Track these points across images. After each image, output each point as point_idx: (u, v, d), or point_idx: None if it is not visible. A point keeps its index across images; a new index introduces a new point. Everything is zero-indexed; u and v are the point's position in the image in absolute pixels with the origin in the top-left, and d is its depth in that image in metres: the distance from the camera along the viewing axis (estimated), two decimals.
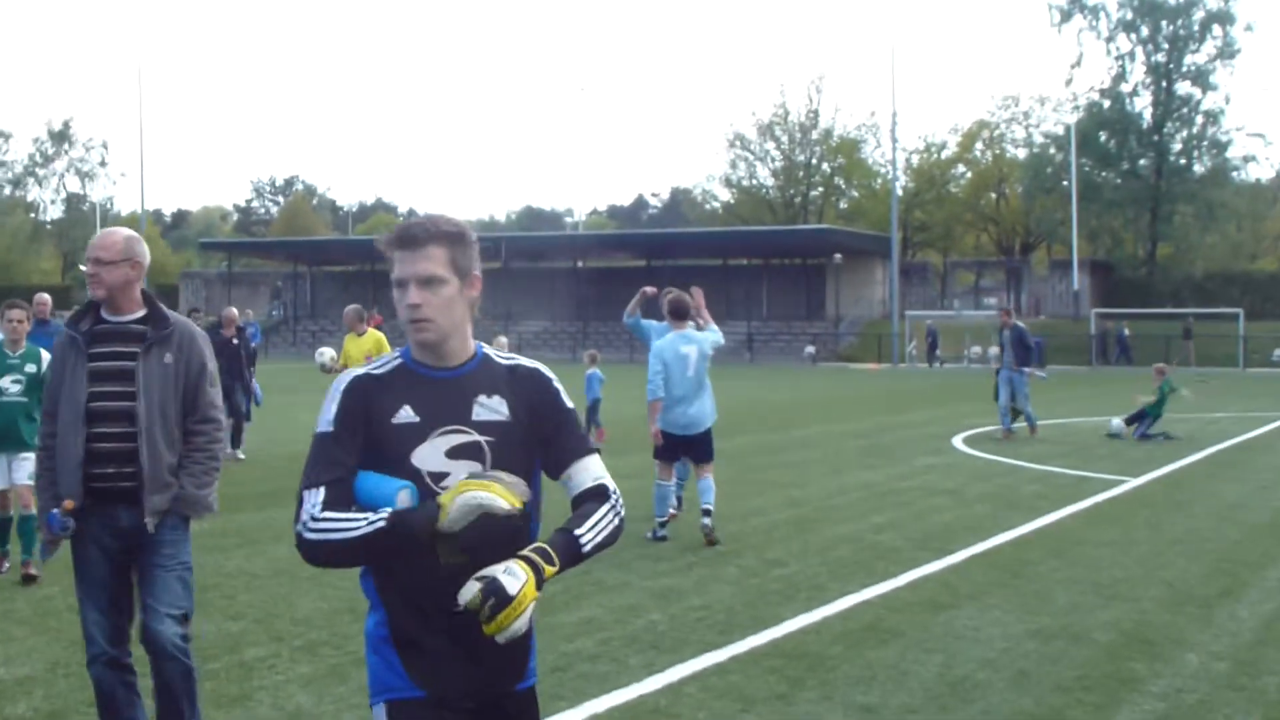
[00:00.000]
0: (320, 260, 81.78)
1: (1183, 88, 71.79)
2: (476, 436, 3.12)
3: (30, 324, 9.73)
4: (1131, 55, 72.48)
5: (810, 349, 62.62)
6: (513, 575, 2.84)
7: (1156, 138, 71.32)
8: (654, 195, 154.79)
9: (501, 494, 2.89)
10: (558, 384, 3.30)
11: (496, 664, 3.11)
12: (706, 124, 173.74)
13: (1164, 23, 70.80)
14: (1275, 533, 11.90)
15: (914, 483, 15.27)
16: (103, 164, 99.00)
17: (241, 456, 17.49)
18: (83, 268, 5.25)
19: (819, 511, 12.98)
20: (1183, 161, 71.58)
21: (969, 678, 6.89)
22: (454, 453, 3.09)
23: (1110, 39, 72.74)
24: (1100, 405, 26.72)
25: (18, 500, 9.37)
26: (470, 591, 2.83)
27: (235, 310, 19.22)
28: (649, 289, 12.84)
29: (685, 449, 11.44)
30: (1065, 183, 68.46)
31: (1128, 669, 7.08)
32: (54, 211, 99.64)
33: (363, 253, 72.76)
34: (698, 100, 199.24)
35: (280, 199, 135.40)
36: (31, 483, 8.06)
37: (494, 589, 2.82)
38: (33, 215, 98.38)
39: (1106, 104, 72.67)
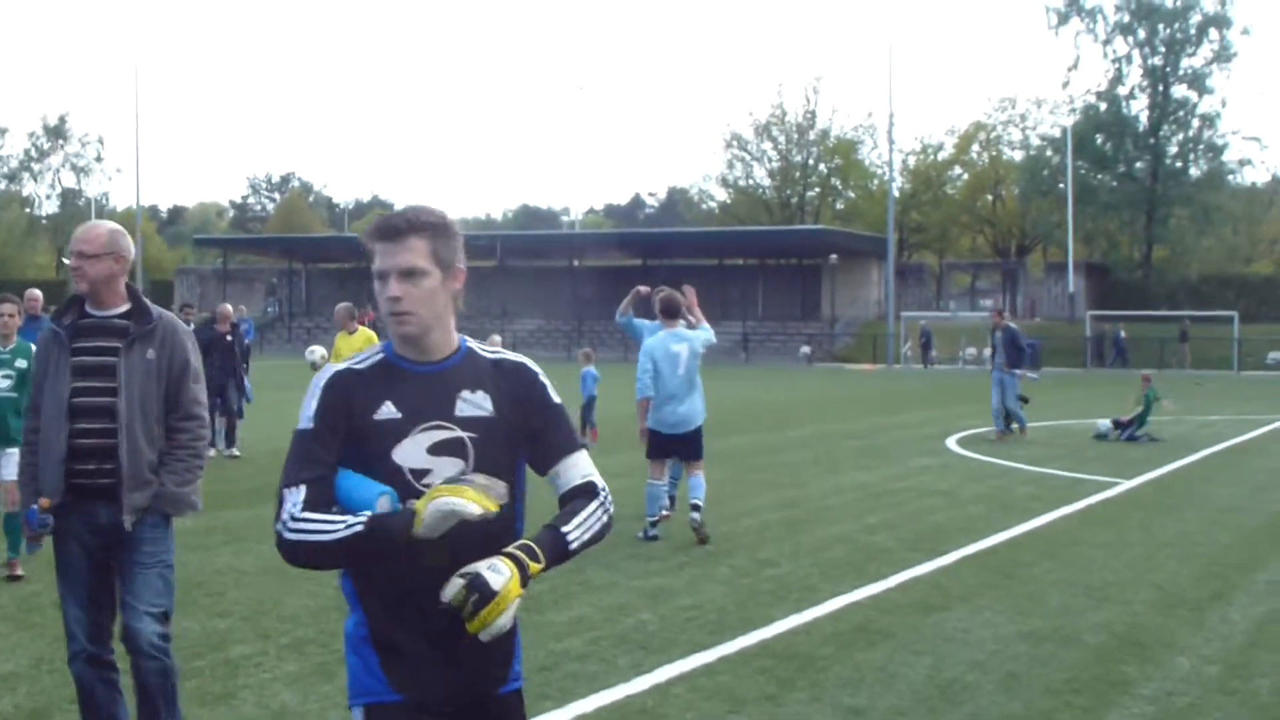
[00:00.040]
0: (316, 257, 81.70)
1: (1179, 91, 71.82)
2: (459, 433, 3.05)
3: (21, 319, 9.66)
4: (1128, 58, 72.51)
5: (806, 349, 62.60)
6: (496, 571, 2.80)
7: (1153, 141, 71.34)
8: (651, 195, 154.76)
9: (474, 499, 2.82)
10: (544, 378, 3.23)
11: (478, 667, 3.06)
12: (704, 124, 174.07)
13: (1161, 26, 70.80)
14: (1268, 536, 11.88)
15: (908, 484, 15.24)
16: (98, 159, 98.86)
17: (237, 454, 17.41)
18: (66, 260, 5.18)
19: (812, 512, 12.95)
20: (1179, 165, 71.62)
21: (958, 680, 6.85)
22: (436, 449, 3.03)
23: (1107, 42, 72.78)
24: (1095, 407, 26.68)
25: (5, 497, 9.31)
26: (453, 588, 2.79)
27: (230, 307, 19.18)
28: (642, 288, 12.80)
29: (675, 447, 11.40)
30: (1061, 185, 68.51)
31: (1118, 672, 7.05)
32: (49, 206, 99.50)
33: (358, 250, 71.33)
34: (695, 100, 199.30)
35: (276, 196, 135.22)
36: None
37: (477, 585, 2.77)
38: (28, 210, 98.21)
39: (1103, 107, 72.68)
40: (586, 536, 3.07)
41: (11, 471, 9.06)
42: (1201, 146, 72.03)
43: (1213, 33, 70.56)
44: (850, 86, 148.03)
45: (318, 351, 15.63)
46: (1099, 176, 71.81)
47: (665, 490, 11.58)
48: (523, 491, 3.22)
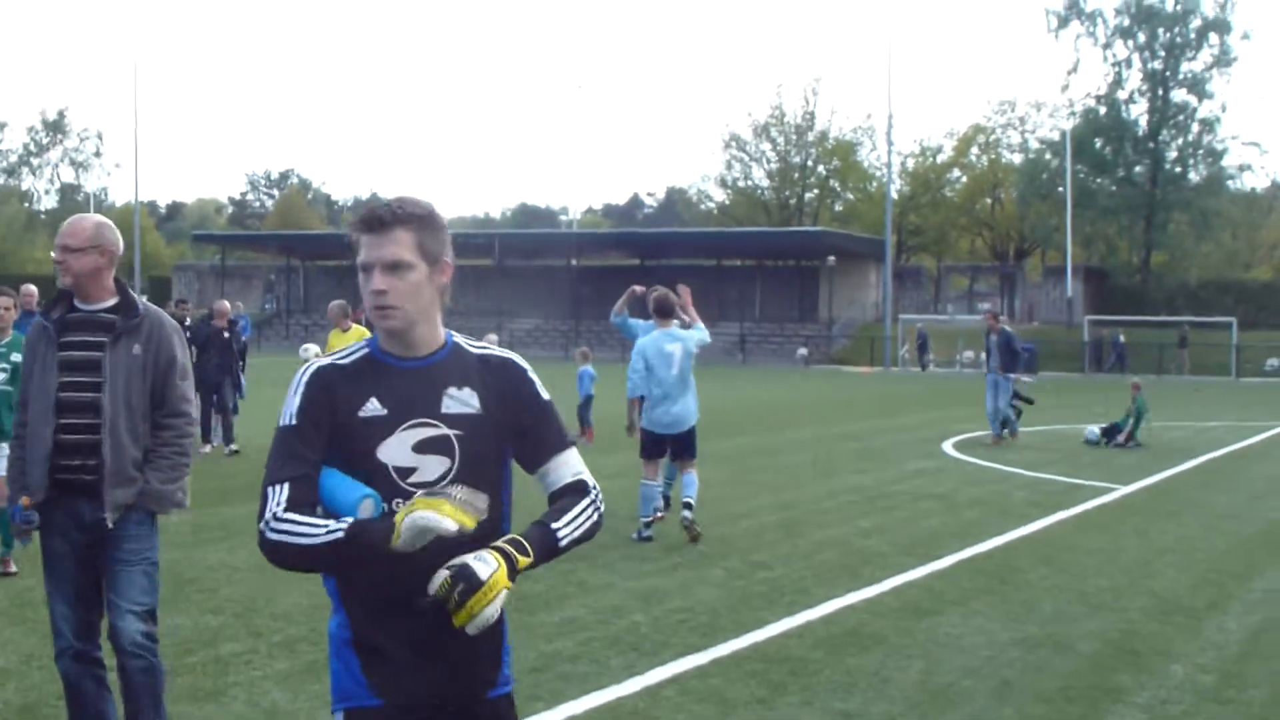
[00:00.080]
0: (314, 254, 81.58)
1: (1179, 95, 71.79)
2: (445, 430, 3.00)
3: (17, 313, 9.63)
4: (1128, 62, 72.47)
5: (803, 351, 62.53)
6: (483, 561, 2.75)
7: (1152, 145, 71.30)
8: (649, 195, 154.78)
9: (451, 514, 2.75)
10: (533, 374, 3.18)
11: (463, 670, 3.02)
12: (703, 124, 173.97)
13: (1161, 30, 70.77)
14: (1265, 543, 11.86)
15: (903, 487, 15.21)
16: (97, 154, 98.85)
17: (236, 448, 17.33)
18: (52, 254, 5.14)
19: (808, 515, 12.93)
20: (1178, 169, 71.59)
21: (951, 686, 6.82)
22: (422, 447, 2.98)
23: (1107, 45, 72.72)
24: (1093, 413, 26.64)
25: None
26: (438, 579, 2.74)
27: (227, 303, 19.13)
28: (637, 287, 12.76)
29: (668, 447, 11.37)
30: (1060, 189, 68.43)
31: (1112, 680, 7.02)
32: (48, 201, 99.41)
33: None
34: (694, 100, 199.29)
35: (275, 192, 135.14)
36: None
37: (463, 574, 2.73)
38: (27, 205, 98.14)
39: (1102, 110, 72.62)
40: (577, 534, 3.03)
41: (3, 466, 9.05)
42: (1201, 151, 71.99)
43: (1213, 37, 70.53)
44: (849, 88, 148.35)
45: (311, 349, 15.56)
46: (1098, 180, 71.77)
47: (659, 491, 11.55)
48: (509, 489, 3.17)
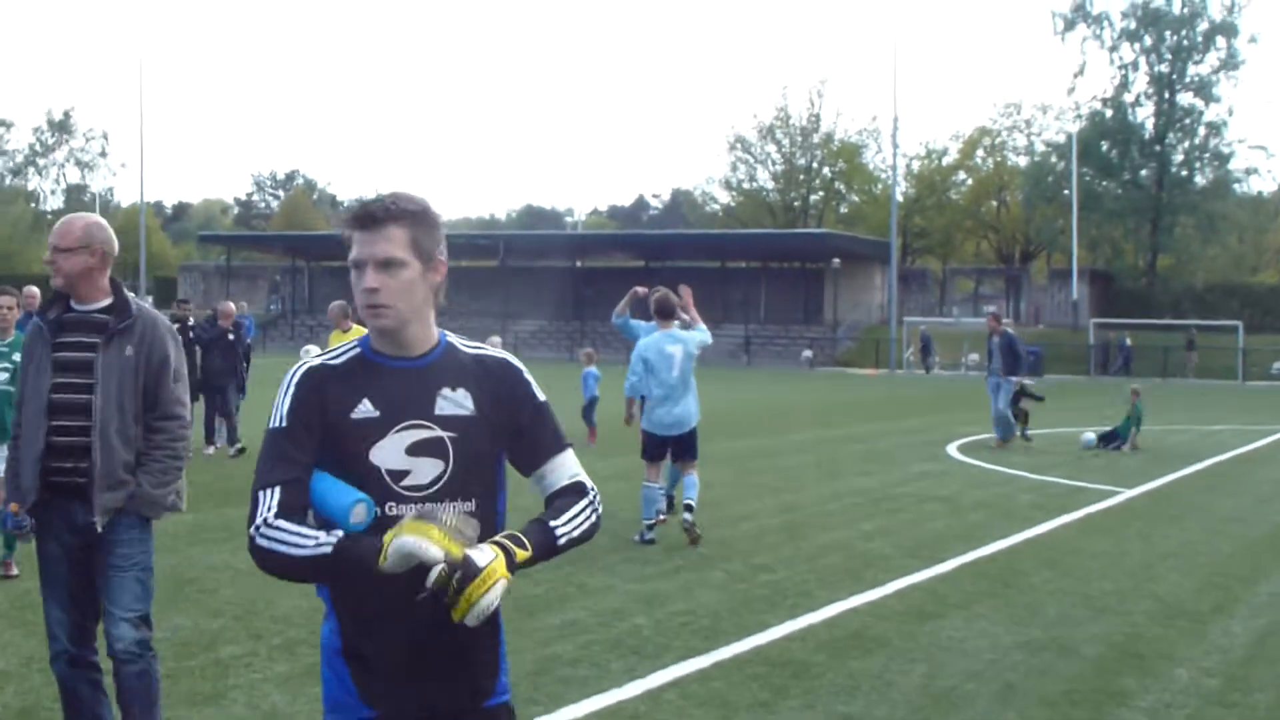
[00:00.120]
0: (319, 255, 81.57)
1: (1185, 99, 71.75)
2: (439, 432, 2.93)
3: (20, 312, 9.61)
4: (1135, 65, 72.45)
5: (808, 353, 62.49)
6: (481, 551, 2.70)
7: (1158, 148, 71.25)
8: (655, 196, 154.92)
9: (439, 540, 2.67)
10: (528, 375, 3.12)
11: (458, 680, 2.97)
12: (708, 126, 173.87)
13: (1168, 33, 70.73)
14: (1271, 547, 11.81)
15: (907, 490, 15.17)
16: (103, 154, 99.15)
17: (242, 447, 17.19)
18: (44, 256, 5.09)
19: (811, 517, 12.88)
20: (1184, 173, 71.51)
21: (954, 689, 6.79)
22: (415, 449, 2.91)
23: (1114, 48, 72.72)
24: (1098, 416, 26.58)
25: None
26: (437, 570, 2.67)
27: (232, 304, 19.07)
28: (639, 289, 12.72)
29: (669, 448, 11.35)
30: (1066, 192, 68.36)
31: (1116, 683, 6.98)
32: (54, 201, 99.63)
33: None
34: (700, 102, 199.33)
35: (281, 193, 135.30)
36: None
37: (461, 565, 2.68)
38: (33, 205, 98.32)
39: (1109, 113, 72.60)
40: (575, 534, 2.98)
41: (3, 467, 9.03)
42: (1207, 155, 71.95)
43: (1220, 40, 70.49)
44: (855, 90, 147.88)
45: (313, 351, 15.48)
46: (1104, 183, 71.75)
47: (661, 493, 11.51)
48: (504, 492, 3.12)
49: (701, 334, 11.59)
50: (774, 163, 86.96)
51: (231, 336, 17.80)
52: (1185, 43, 70.75)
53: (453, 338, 3.10)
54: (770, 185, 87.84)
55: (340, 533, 2.77)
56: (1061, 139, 74.21)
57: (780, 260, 73.52)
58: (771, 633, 7.97)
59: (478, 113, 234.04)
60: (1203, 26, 70.49)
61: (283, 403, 2.94)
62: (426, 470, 2.92)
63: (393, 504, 2.86)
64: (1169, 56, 71.06)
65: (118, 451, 4.94)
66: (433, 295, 3.00)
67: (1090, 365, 57.32)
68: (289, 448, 2.88)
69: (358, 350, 3.02)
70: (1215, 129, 71.44)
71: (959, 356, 58.80)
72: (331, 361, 3.01)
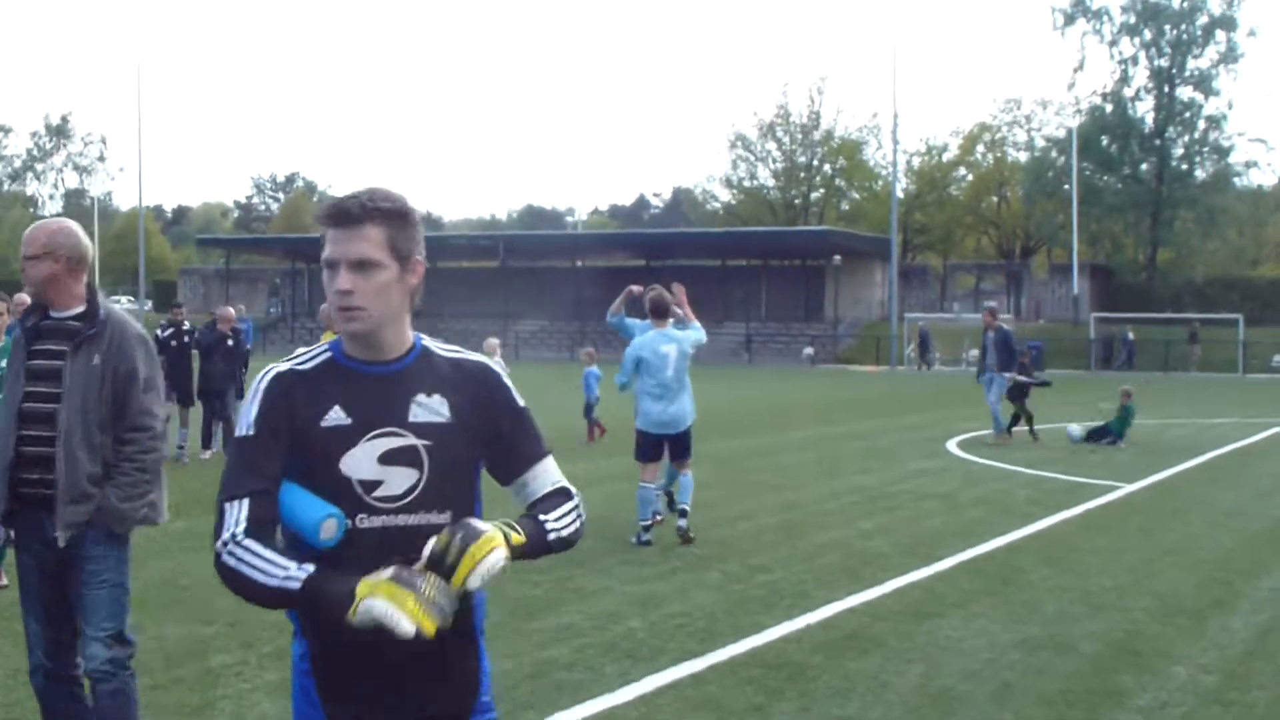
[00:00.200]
0: (319, 257, 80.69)
1: (1185, 92, 71.62)
2: (413, 440, 2.82)
3: (10, 318, 9.56)
4: (1134, 59, 72.29)
5: (809, 350, 62.39)
6: (478, 521, 2.66)
7: (1158, 142, 71.13)
8: (656, 195, 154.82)
9: (414, 613, 2.53)
10: (508, 380, 3.02)
11: (436, 701, 2.87)
12: (708, 124, 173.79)
13: (1167, 27, 70.60)
14: (1271, 541, 11.74)
15: (906, 487, 15.10)
16: (101, 159, 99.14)
17: None
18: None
19: (809, 516, 12.82)
20: (1184, 166, 71.39)
21: (950, 690, 6.73)
22: (388, 458, 2.80)
23: (1113, 43, 72.58)
24: (1097, 410, 26.47)
25: None
26: (432, 541, 2.61)
27: (231, 309, 19.01)
28: (634, 288, 12.66)
29: (665, 448, 11.29)
30: (1066, 186, 68.24)
31: (1114, 682, 6.92)
32: (53, 206, 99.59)
33: None
34: (700, 101, 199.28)
35: (280, 196, 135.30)
36: None
37: (462, 525, 2.62)
38: (31, 210, 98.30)
39: (1108, 108, 72.48)
40: (565, 533, 2.90)
41: None
42: (1207, 148, 71.83)
43: (1219, 34, 70.34)
44: (855, 87, 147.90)
45: None
46: (1104, 178, 71.63)
47: (657, 494, 11.44)
48: (480, 502, 3.02)
49: (696, 333, 11.53)
50: (774, 160, 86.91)
51: (231, 342, 17.74)
52: (1185, 37, 70.61)
53: (428, 341, 2.99)
54: (771, 183, 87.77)
55: (311, 567, 2.67)
56: (1061, 134, 74.10)
57: (781, 258, 73.40)
58: (768, 634, 7.91)
59: (478, 113, 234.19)
60: (1202, 20, 70.36)
61: (250, 410, 2.83)
62: (400, 480, 2.81)
63: (364, 516, 2.77)
64: (1168, 50, 70.93)
65: (82, 463, 4.80)
66: (409, 298, 2.88)
67: (1091, 360, 57.20)
68: (257, 457, 2.77)
69: (329, 354, 2.91)
70: (1215, 123, 71.30)
71: (960, 352, 58.68)
72: (300, 366, 2.89)
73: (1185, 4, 70.44)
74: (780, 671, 7.05)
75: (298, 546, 2.77)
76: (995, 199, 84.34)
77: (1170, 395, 34.50)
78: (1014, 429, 21.24)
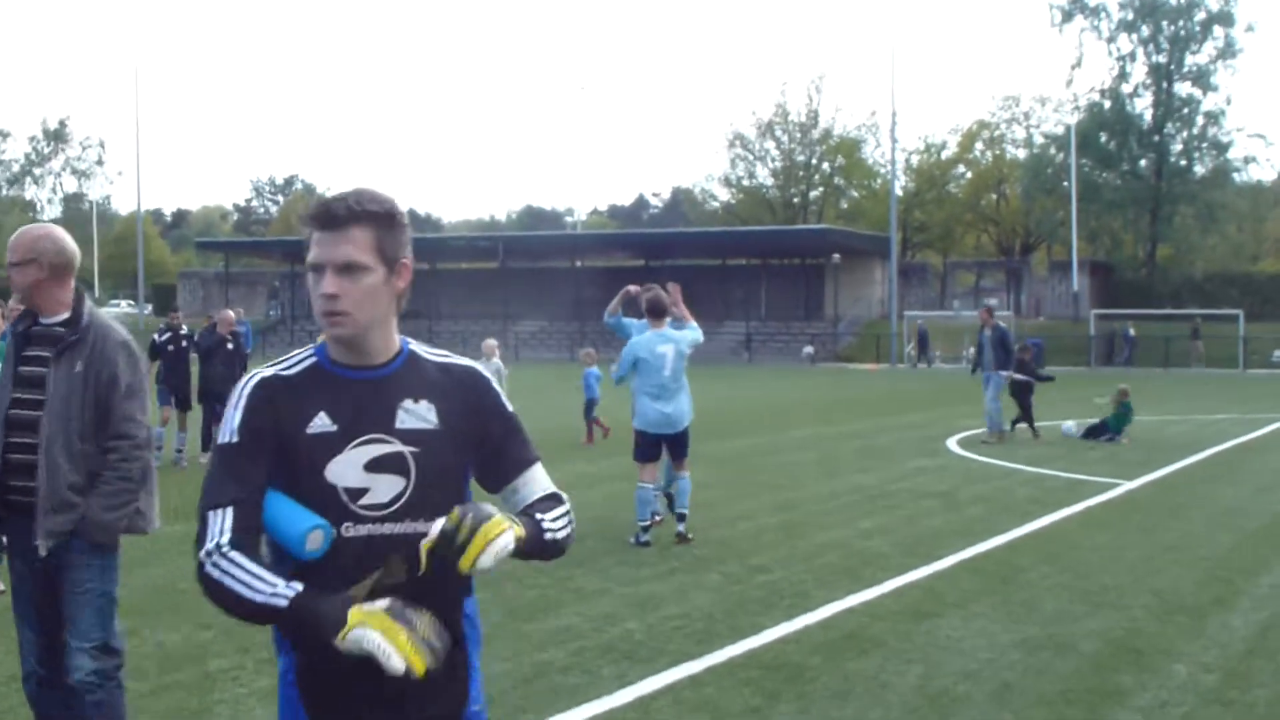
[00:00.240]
0: None
1: (1183, 88, 71.64)
2: (400, 447, 2.77)
3: (4, 324, 9.55)
4: (1132, 56, 72.32)
5: (809, 349, 62.37)
6: (486, 504, 2.63)
7: (1157, 138, 71.14)
8: (655, 195, 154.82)
9: (405, 649, 2.52)
10: (496, 385, 2.98)
11: (421, 708, 2.81)
12: (707, 123, 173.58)
13: (1165, 23, 70.62)
14: (1271, 538, 11.71)
15: (906, 486, 15.07)
16: (100, 163, 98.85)
17: None
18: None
19: (808, 515, 12.78)
20: (1183, 162, 71.39)
21: (949, 690, 6.69)
22: (375, 465, 2.74)
23: (1111, 39, 72.61)
24: (1096, 405, 26.44)
25: None
26: (440, 523, 2.57)
27: (231, 312, 18.96)
28: (632, 287, 12.63)
29: (663, 448, 11.26)
30: (1065, 183, 68.25)
31: (1114, 681, 6.89)
32: (52, 211, 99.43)
33: None
34: (699, 100, 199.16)
35: (280, 199, 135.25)
36: None
37: (473, 505, 2.58)
38: (30, 215, 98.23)
39: (1107, 104, 72.49)
40: (559, 535, 2.86)
41: None
42: (1206, 144, 71.84)
43: (1217, 30, 70.33)
44: (853, 85, 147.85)
45: None
46: (1103, 174, 71.65)
47: (655, 494, 11.40)
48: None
49: (693, 332, 11.51)
50: (773, 159, 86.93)
51: (231, 345, 17.69)
52: (1183, 33, 70.63)
53: (416, 346, 2.93)
54: (770, 182, 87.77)
55: (299, 585, 2.62)
56: (1060, 131, 74.10)
57: (780, 257, 73.37)
58: (766, 635, 7.87)
59: (477, 114, 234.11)
60: (1200, 16, 70.37)
61: (233, 416, 2.78)
62: (386, 488, 2.76)
63: (349, 524, 2.72)
64: (1166, 46, 70.95)
65: (63, 471, 4.73)
66: (396, 302, 2.83)
67: (1091, 356, 57.17)
68: (241, 464, 2.72)
69: (314, 360, 2.85)
70: (1214, 118, 71.34)
71: (960, 350, 58.65)
72: (285, 372, 2.83)
73: (1183, 0, 70.44)
74: (779, 673, 7.02)
75: (281, 556, 2.73)
76: (994, 196, 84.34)
77: (1170, 391, 34.47)
78: (1017, 425, 21.21)
